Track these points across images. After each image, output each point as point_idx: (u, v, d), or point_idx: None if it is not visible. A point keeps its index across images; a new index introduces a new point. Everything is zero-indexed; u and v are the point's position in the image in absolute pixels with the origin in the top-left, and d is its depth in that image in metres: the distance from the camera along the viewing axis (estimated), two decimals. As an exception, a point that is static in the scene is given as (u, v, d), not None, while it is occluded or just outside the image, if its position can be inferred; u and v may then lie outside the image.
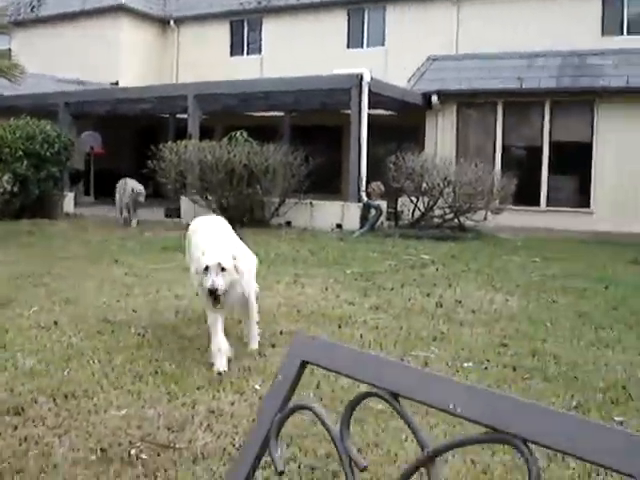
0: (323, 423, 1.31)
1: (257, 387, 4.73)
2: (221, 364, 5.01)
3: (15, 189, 16.66)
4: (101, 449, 3.59)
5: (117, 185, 16.52)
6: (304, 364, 1.41)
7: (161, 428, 3.97)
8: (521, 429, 1.06)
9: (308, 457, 3.68)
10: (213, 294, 5.09)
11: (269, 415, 1.40)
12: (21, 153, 16.55)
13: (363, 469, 1.26)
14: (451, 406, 1.15)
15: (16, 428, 4.00)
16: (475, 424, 1.14)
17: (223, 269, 5.11)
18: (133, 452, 3.60)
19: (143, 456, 3.53)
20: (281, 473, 1.35)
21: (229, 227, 6.28)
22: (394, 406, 1.23)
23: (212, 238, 5.65)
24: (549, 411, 1.08)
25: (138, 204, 15.80)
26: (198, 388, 4.63)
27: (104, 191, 21.29)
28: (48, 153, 16.90)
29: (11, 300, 7.37)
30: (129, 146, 25.10)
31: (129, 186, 15.83)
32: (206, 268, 5.12)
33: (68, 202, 18.97)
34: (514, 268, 10.54)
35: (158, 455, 3.62)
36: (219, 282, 5.07)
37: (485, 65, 19.94)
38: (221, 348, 5.15)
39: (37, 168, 16.77)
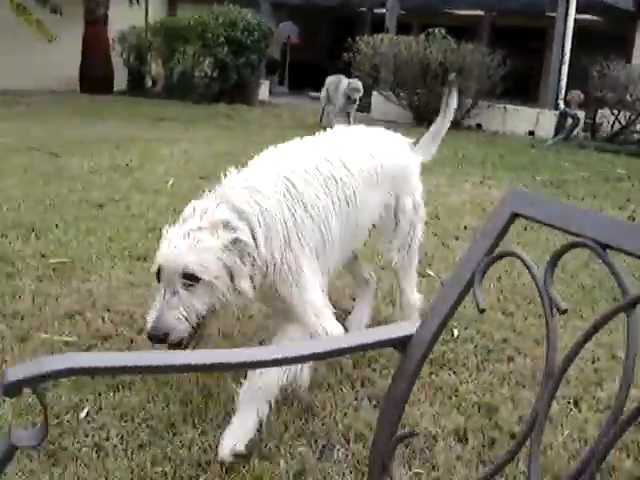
0: (528, 268, 1.39)
1: (440, 274, 4.87)
2: None
3: (215, 74, 17.33)
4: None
5: (326, 81, 13.84)
6: (514, 216, 1.49)
7: (347, 298, 4.22)
8: None
9: (484, 340, 3.80)
10: (157, 341, 2.62)
11: (475, 259, 1.51)
12: (223, 39, 17.10)
13: (563, 312, 1.34)
14: (660, 257, 1.20)
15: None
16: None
17: (191, 280, 2.58)
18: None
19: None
20: (482, 311, 1.45)
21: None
22: (600, 255, 1.29)
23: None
24: None
25: (353, 103, 13.12)
26: (384, 269, 4.81)
27: (297, 82, 21.72)
28: (248, 40, 17.36)
29: (211, 174, 7.86)
30: (324, 38, 25.26)
31: (344, 82, 13.14)
32: (158, 272, 2.65)
33: (263, 90, 19.51)
34: None
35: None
36: (170, 319, 2.57)
37: None
38: None
39: (236, 55, 17.31)
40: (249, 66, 17.66)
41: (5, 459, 1.35)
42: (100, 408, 2.94)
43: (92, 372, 1.42)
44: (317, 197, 2.98)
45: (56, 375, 1.33)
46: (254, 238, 2.69)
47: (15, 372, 1.31)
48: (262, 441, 2.75)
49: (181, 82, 17.42)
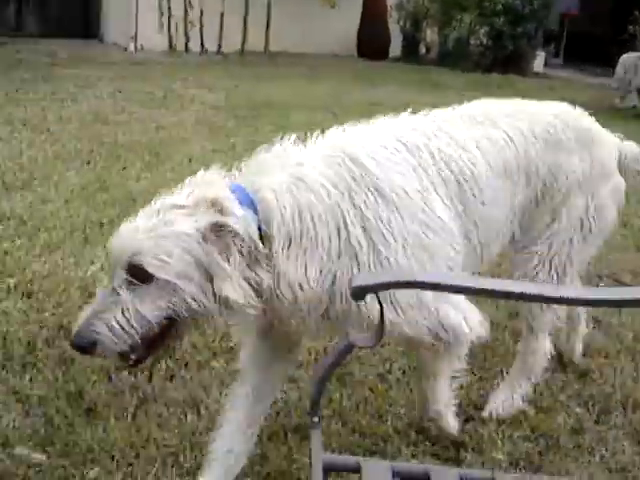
0: None
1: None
2: None
3: (489, 43, 17.10)
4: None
5: (622, 59, 12.08)
6: None
7: (625, 272, 4.15)
8: None
9: None
10: (83, 352, 1.92)
11: None
12: (500, 7, 16.83)
13: None
14: None
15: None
16: None
17: (138, 277, 1.83)
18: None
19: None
20: None
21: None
22: None
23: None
24: None
25: None
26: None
27: (573, 55, 20.84)
28: (527, 9, 16.93)
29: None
30: (605, 10, 23.92)
31: None
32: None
33: (538, 61, 18.94)
34: None
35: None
36: (99, 327, 1.83)
37: None
38: None
39: (513, 24, 16.93)
40: (525, 36, 17.23)
41: (345, 352, 1.56)
42: (386, 343, 3.14)
43: (428, 287, 1.57)
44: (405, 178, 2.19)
45: (394, 286, 1.48)
46: (266, 238, 1.91)
47: (362, 279, 1.49)
48: (541, 395, 2.82)
49: (455, 49, 17.39)
